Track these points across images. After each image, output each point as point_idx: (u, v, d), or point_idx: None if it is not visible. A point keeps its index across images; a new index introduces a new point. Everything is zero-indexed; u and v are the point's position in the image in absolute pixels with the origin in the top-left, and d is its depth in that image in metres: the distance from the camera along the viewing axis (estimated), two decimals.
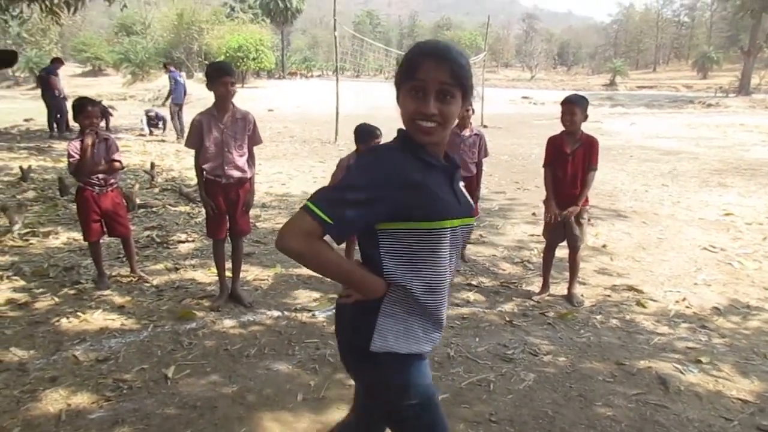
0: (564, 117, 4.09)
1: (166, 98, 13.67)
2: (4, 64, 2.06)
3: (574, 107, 4.05)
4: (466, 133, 4.99)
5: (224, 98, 3.76)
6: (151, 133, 14.30)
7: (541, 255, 4.68)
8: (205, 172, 3.88)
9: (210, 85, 3.74)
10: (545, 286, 4.51)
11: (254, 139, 3.98)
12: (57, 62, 13.62)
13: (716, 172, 10.20)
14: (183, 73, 14.52)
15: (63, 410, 2.76)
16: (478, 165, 5.10)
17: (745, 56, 39.30)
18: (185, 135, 14.16)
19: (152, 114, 14.76)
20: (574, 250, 4.34)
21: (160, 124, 14.53)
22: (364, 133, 4.11)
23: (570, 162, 4.14)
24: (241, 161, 3.90)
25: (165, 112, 14.53)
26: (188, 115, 13.76)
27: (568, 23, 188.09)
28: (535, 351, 3.53)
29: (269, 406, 2.86)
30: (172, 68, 13.92)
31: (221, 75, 3.70)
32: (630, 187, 8.89)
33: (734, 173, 10.17)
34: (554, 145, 4.28)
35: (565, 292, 4.44)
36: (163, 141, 13.36)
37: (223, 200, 3.92)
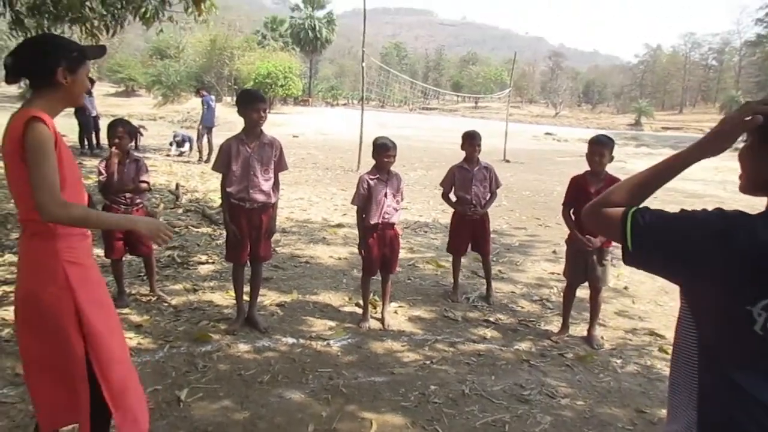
0: (592, 157, 4.08)
1: (201, 121, 14.04)
2: (99, 54, 2.37)
3: (603, 149, 4.05)
4: (476, 167, 5.00)
5: (255, 124, 3.84)
6: (180, 154, 14.61)
7: (561, 294, 4.62)
8: (230, 197, 3.92)
9: (242, 111, 3.82)
10: (564, 327, 4.43)
11: (280, 166, 4.03)
12: (89, 82, 14.10)
13: None
14: (213, 97, 14.88)
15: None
16: (492, 195, 5.09)
17: None
18: (212, 157, 14.32)
19: (179, 138, 15.15)
20: (596, 291, 4.27)
21: (186, 146, 14.87)
22: (375, 147, 4.25)
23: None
24: (267, 186, 3.94)
25: (192, 133, 14.88)
26: (217, 138, 14.12)
27: (594, 62, 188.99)
28: (552, 393, 3.45)
29: None
30: (205, 92, 14.29)
31: (255, 102, 3.81)
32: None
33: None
34: (577, 185, 4.24)
35: (585, 333, 4.36)
36: (188, 162, 13.61)
37: (246, 225, 3.96)
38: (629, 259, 1.23)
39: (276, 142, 4.00)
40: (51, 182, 1.92)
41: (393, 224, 4.34)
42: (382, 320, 4.41)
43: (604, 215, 1.28)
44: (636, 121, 56.81)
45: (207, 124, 13.64)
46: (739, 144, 1.31)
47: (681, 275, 1.20)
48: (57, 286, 2.03)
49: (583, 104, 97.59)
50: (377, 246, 4.30)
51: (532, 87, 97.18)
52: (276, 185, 4.06)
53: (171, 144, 15.08)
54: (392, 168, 4.32)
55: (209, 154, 13.62)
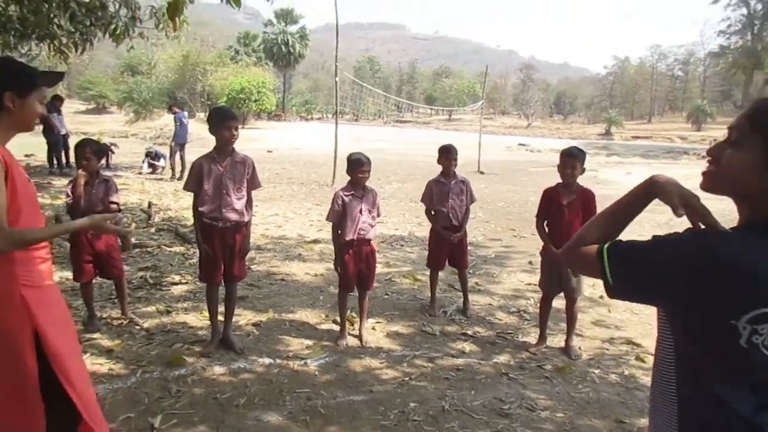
0: (564, 169, 4.13)
1: (173, 138, 13.88)
2: (55, 81, 2.29)
3: (574, 161, 4.10)
4: (453, 181, 5.02)
5: (227, 143, 3.79)
6: (153, 171, 14.39)
7: (538, 305, 4.64)
8: (202, 216, 3.86)
9: (213, 130, 3.77)
10: (542, 338, 4.44)
11: (253, 183, 3.99)
12: (56, 100, 13.87)
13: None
14: (186, 113, 14.72)
15: None
16: (466, 211, 5.11)
17: (739, 111, 40.12)
18: (185, 174, 14.13)
19: (153, 152, 14.95)
20: (571, 301, 4.30)
21: (161, 161, 14.68)
22: (350, 162, 4.23)
23: (566, 213, 4.15)
24: (239, 204, 3.89)
25: (165, 150, 14.69)
26: (190, 154, 13.92)
27: (564, 74, 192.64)
28: (532, 406, 3.45)
29: None
30: (177, 109, 14.14)
31: (227, 120, 3.76)
32: (626, 237, 8.85)
33: (732, 225, 10.19)
34: (549, 197, 4.30)
35: (562, 344, 4.38)
36: (161, 179, 13.41)
37: (219, 245, 3.89)
38: (612, 293, 1.23)
39: (248, 160, 3.96)
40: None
41: (369, 240, 4.31)
42: (359, 337, 4.36)
43: (581, 255, 1.28)
44: (606, 131, 57.84)
45: (179, 141, 13.48)
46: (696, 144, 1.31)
47: (665, 299, 1.19)
48: (14, 310, 2.04)
49: (554, 115, 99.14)
50: (353, 262, 4.26)
51: (504, 99, 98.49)
52: (249, 203, 4.01)
53: (143, 161, 14.84)
54: (368, 183, 4.30)
55: (182, 171, 13.45)
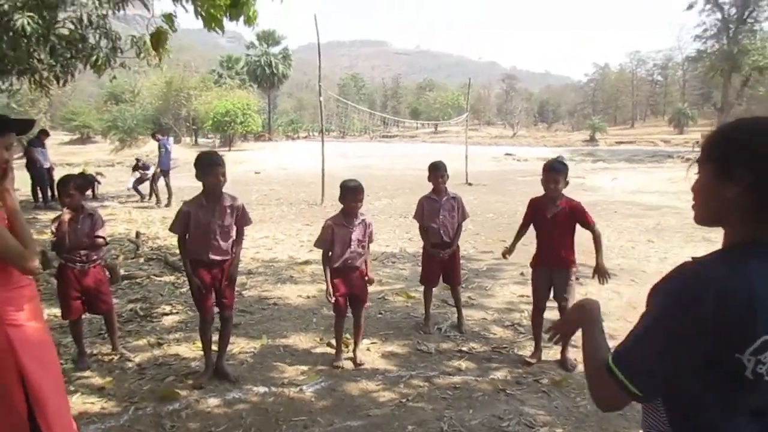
0: (547, 184, 4.19)
1: (158, 165, 13.80)
2: (25, 128, 2.31)
3: (558, 176, 4.15)
4: (444, 197, 5.02)
5: (216, 188, 3.79)
6: (141, 198, 14.21)
7: (531, 322, 4.62)
8: (190, 254, 3.89)
9: (201, 176, 3.76)
10: (537, 350, 4.44)
11: (243, 222, 4.00)
12: (42, 134, 13.85)
13: (700, 227, 10.29)
14: (171, 139, 14.65)
15: None
16: (458, 227, 5.11)
17: (719, 113, 40.82)
18: (171, 201, 13.94)
19: (141, 163, 14.73)
20: (563, 311, 4.28)
21: (150, 170, 14.39)
22: (343, 190, 4.18)
23: (550, 225, 4.23)
24: (225, 245, 3.91)
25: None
26: (177, 180, 13.85)
27: (546, 83, 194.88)
28: (530, 422, 3.42)
29: None
30: (160, 136, 14.08)
31: (213, 167, 3.73)
32: (616, 243, 8.94)
33: (718, 227, 10.28)
34: (535, 208, 4.39)
35: (558, 356, 4.37)
36: (148, 208, 13.28)
37: (208, 277, 3.89)
38: (645, 399, 1.18)
39: (237, 202, 3.94)
40: (6, 244, 2.07)
41: (357, 267, 4.28)
42: (354, 358, 4.33)
43: (597, 386, 1.23)
44: (591, 137, 58.47)
45: (164, 168, 13.43)
46: (691, 154, 1.34)
47: (684, 364, 1.14)
48: (1, 350, 2.09)
49: (539, 123, 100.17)
50: (343, 286, 4.25)
51: (488, 109, 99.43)
52: (239, 237, 4.02)
53: (134, 169, 14.52)
54: (361, 211, 4.27)
55: (169, 198, 13.38)
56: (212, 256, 3.85)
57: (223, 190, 3.88)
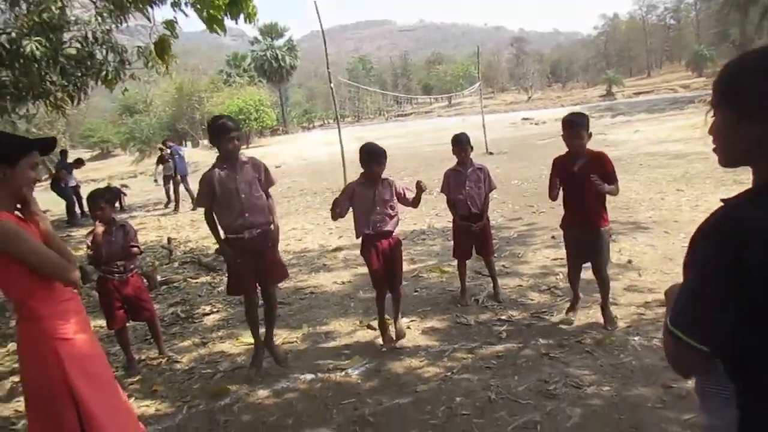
0: (570, 140, 4.00)
1: (175, 173, 13.86)
2: (48, 147, 2.35)
3: (579, 129, 3.94)
4: (469, 169, 4.98)
5: (232, 153, 3.70)
6: (167, 201, 14.09)
7: (568, 279, 4.58)
8: (226, 232, 3.77)
9: (216, 141, 3.67)
10: (576, 299, 4.43)
11: (269, 181, 3.91)
12: (63, 155, 14.37)
13: (730, 170, 10.01)
14: (182, 147, 14.66)
15: None
16: (485, 199, 5.07)
17: (738, 50, 39.41)
18: (173, 208, 13.77)
19: (170, 146, 14.24)
20: (599, 273, 4.20)
21: (183, 150, 14.42)
22: (363, 154, 4.00)
23: (578, 181, 3.98)
24: (260, 203, 3.78)
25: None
26: (194, 183, 13.89)
27: (556, 41, 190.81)
28: (577, 383, 3.42)
29: None
30: (171, 144, 14.17)
31: (228, 132, 3.64)
32: (645, 196, 8.79)
33: (748, 168, 10.03)
34: (559, 166, 4.18)
35: (597, 314, 4.33)
36: (176, 213, 13.41)
37: (249, 256, 3.76)
38: (714, 352, 1.13)
39: (255, 160, 3.88)
40: (48, 259, 2.16)
41: (389, 232, 4.13)
42: (395, 334, 4.30)
43: (670, 354, 1.20)
44: (608, 92, 57.32)
45: (181, 173, 13.51)
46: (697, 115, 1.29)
47: (732, 308, 1.10)
48: (49, 365, 2.17)
49: (553, 84, 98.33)
50: (377, 259, 4.09)
51: (500, 76, 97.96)
52: (271, 207, 3.92)
53: (164, 153, 13.96)
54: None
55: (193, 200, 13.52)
56: (251, 219, 3.70)
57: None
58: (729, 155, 1.22)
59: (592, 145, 4.14)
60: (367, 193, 4.00)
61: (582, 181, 3.94)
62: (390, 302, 4.35)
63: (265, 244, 3.81)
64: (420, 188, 4.00)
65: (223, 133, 3.63)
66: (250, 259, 3.75)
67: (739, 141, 1.16)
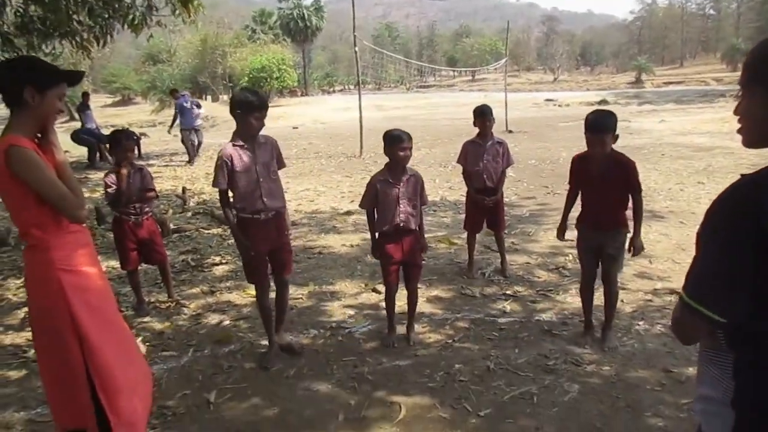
0: (593, 147, 3.43)
1: (171, 125, 13.62)
2: (76, 79, 2.34)
3: (604, 136, 3.34)
4: (488, 142, 4.94)
5: (255, 130, 3.37)
6: (188, 156, 13.62)
7: (577, 261, 4.22)
8: (240, 212, 3.45)
9: (240, 116, 3.32)
10: (588, 328, 3.82)
11: (281, 163, 3.62)
12: (85, 96, 14.37)
13: (754, 167, 9.74)
14: (189, 98, 14.04)
15: None
16: (502, 173, 5.03)
17: None
18: (195, 158, 13.64)
19: (195, 102, 13.83)
20: (608, 280, 3.69)
21: (202, 109, 14.00)
22: (387, 139, 3.64)
23: (598, 182, 3.52)
24: (276, 186, 3.52)
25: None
26: (215, 137, 13.89)
27: (589, 23, 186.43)
28: (577, 361, 3.45)
29: (311, 428, 2.86)
30: (179, 94, 13.82)
31: (256, 109, 3.31)
32: (664, 186, 8.68)
33: None
34: (581, 166, 3.68)
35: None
36: (189, 165, 13.38)
37: (262, 240, 3.48)
38: (730, 322, 1.13)
39: (272, 140, 3.55)
40: (60, 191, 2.15)
41: (412, 230, 3.75)
42: (407, 337, 3.85)
43: (681, 328, 1.21)
44: (636, 79, 56.13)
45: (188, 126, 13.23)
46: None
47: (750, 276, 1.10)
48: (52, 295, 2.18)
49: (581, 67, 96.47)
50: (396, 253, 3.72)
51: (528, 54, 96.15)
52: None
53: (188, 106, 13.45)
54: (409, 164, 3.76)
55: (196, 154, 13.42)
56: (269, 203, 3.43)
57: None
58: (755, 135, 1.21)
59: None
60: (390, 190, 3.66)
61: (601, 184, 3.51)
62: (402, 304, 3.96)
63: (278, 226, 3.57)
64: (423, 249, 3.92)
65: (252, 110, 3.29)
66: (264, 242, 3.50)
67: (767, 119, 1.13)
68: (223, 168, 3.34)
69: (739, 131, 1.23)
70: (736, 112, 1.23)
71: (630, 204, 3.56)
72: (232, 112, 3.36)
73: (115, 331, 2.39)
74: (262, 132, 3.45)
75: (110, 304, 2.44)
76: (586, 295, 3.82)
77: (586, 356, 3.51)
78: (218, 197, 3.53)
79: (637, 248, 3.59)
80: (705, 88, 40.98)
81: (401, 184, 3.66)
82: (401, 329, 3.89)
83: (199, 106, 13.53)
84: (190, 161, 13.41)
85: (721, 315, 1.10)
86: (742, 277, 1.08)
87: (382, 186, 3.66)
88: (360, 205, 3.88)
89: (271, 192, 3.47)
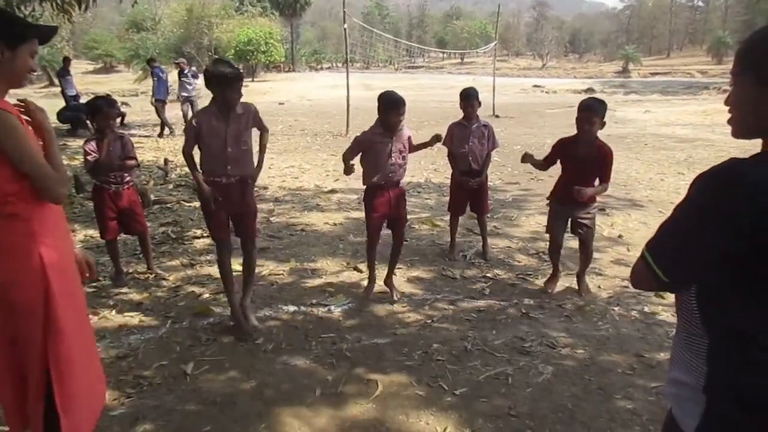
0: (581, 124, 3.84)
1: (152, 95, 13.25)
2: (48, 35, 2.11)
3: (593, 116, 3.78)
4: (474, 125, 4.94)
5: (233, 103, 3.35)
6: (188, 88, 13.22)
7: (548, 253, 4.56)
8: (204, 174, 3.47)
9: (216, 89, 3.30)
10: (555, 277, 4.39)
11: (261, 127, 3.61)
12: (66, 62, 13.99)
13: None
14: (165, 69, 13.70)
15: None
16: (487, 156, 5.05)
17: None
18: (169, 132, 13.26)
19: (192, 72, 13.59)
20: (585, 247, 4.21)
21: (199, 80, 13.79)
22: (383, 102, 3.81)
23: (579, 166, 3.95)
24: (244, 155, 3.50)
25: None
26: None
27: (580, 10, 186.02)
28: (552, 344, 3.51)
29: (288, 402, 2.87)
30: (155, 63, 13.54)
31: (236, 80, 3.29)
32: (645, 175, 8.79)
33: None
34: (564, 147, 4.07)
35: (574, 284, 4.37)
36: (176, 137, 13.21)
37: (224, 201, 3.49)
38: (673, 286, 1.22)
39: (251, 107, 3.51)
40: (41, 165, 1.91)
41: (398, 182, 4.04)
42: (389, 290, 4.20)
43: (634, 272, 1.26)
44: (623, 68, 56.29)
45: (159, 97, 12.99)
46: (728, 85, 1.27)
47: (710, 255, 1.12)
48: (31, 270, 1.93)
49: (569, 54, 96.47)
50: (382, 207, 3.98)
51: (517, 39, 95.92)
52: (262, 141, 3.66)
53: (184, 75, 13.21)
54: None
55: (162, 128, 13.09)
56: (230, 170, 3.43)
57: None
58: (744, 125, 1.20)
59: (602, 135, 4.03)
60: (382, 143, 3.84)
61: (582, 168, 3.93)
62: (383, 254, 4.29)
63: (241, 190, 3.55)
64: (437, 139, 4.12)
65: (228, 82, 3.27)
66: (225, 204, 3.49)
67: (758, 110, 1.14)
68: (191, 132, 3.42)
69: (729, 121, 1.23)
70: (726, 103, 1.23)
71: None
72: (207, 86, 3.34)
73: (83, 324, 2.18)
74: (270, 129, 3.62)
75: (81, 293, 2.21)
76: (554, 254, 4.36)
77: (561, 339, 3.57)
78: (200, 168, 3.50)
79: (582, 193, 3.84)
80: (690, 80, 41.30)
81: (393, 138, 3.89)
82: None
83: (196, 77, 13.15)
84: (161, 133, 13.06)
85: (664, 274, 1.15)
86: (696, 251, 1.12)
87: (374, 138, 3.87)
88: (343, 155, 4.00)
89: (237, 160, 3.46)
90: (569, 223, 4.22)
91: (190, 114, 13.00)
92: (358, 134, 4.05)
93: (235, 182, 3.51)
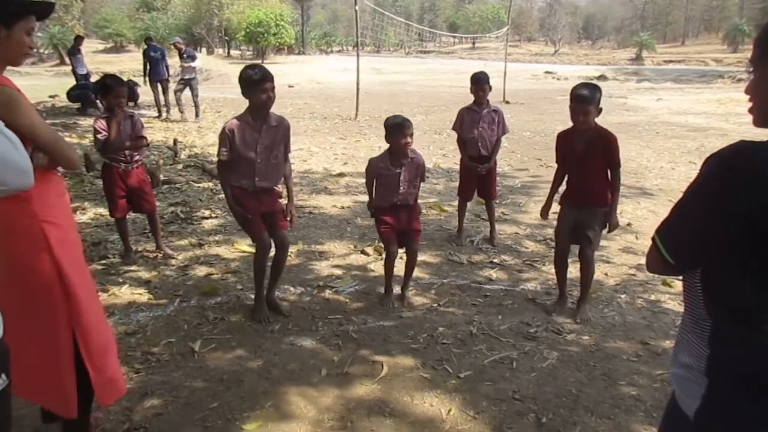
0: (576, 117, 3.45)
1: (144, 74, 13.00)
2: (45, 12, 2.10)
3: (587, 107, 3.39)
4: (484, 110, 4.90)
5: (265, 106, 3.35)
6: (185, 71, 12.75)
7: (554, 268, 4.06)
8: (233, 182, 3.47)
9: (248, 93, 3.31)
10: (562, 297, 3.86)
11: (286, 149, 3.56)
12: (78, 40, 13.97)
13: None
14: (160, 48, 13.40)
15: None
16: (497, 141, 5.02)
17: None
18: (170, 111, 12.90)
19: (189, 53, 13.07)
20: (584, 258, 3.68)
21: (198, 62, 13.42)
22: (389, 128, 3.63)
23: (581, 159, 3.57)
24: (275, 169, 3.51)
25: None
26: (208, 91, 13.54)
27: None
28: (558, 330, 3.52)
29: (294, 381, 2.90)
30: (151, 42, 13.30)
31: (263, 82, 3.27)
32: (656, 164, 8.72)
33: None
34: (565, 142, 3.73)
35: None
36: (185, 121, 13.02)
37: (254, 205, 3.48)
38: (679, 269, 1.22)
39: (285, 122, 3.52)
40: (49, 133, 1.93)
41: (409, 205, 3.81)
42: (402, 298, 3.90)
43: (648, 255, 1.27)
44: (637, 56, 55.53)
45: (158, 78, 12.82)
46: (743, 74, 1.25)
47: (719, 239, 1.12)
48: (38, 250, 1.98)
49: (582, 40, 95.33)
50: (392, 220, 3.76)
51: (530, 24, 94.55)
52: (288, 168, 3.63)
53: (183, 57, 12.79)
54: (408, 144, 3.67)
55: (160, 108, 12.98)
56: (260, 183, 3.44)
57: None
58: (766, 113, 1.17)
59: (611, 107, 3.97)
60: (391, 173, 3.67)
61: (585, 160, 3.55)
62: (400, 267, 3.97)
63: (270, 192, 3.58)
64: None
65: (259, 83, 3.26)
66: (255, 205, 3.48)
67: None
68: (225, 140, 3.36)
69: (750, 110, 1.19)
70: (747, 91, 1.19)
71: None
72: (243, 92, 3.34)
73: (93, 289, 2.27)
74: (278, 113, 3.50)
75: (83, 260, 2.26)
76: (560, 269, 3.86)
77: (566, 325, 3.58)
78: (211, 150, 3.51)
79: (612, 225, 3.64)
80: (704, 69, 40.71)
81: (402, 168, 3.67)
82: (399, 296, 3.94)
83: (193, 58, 12.98)
84: (160, 115, 12.96)
85: (671, 257, 1.17)
86: (702, 233, 1.12)
87: (383, 170, 3.70)
88: (366, 184, 3.90)
89: (266, 173, 3.46)
90: (576, 230, 3.71)
91: (184, 98, 12.70)
92: (367, 164, 3.84)
93: (261, 189, 3.51)
